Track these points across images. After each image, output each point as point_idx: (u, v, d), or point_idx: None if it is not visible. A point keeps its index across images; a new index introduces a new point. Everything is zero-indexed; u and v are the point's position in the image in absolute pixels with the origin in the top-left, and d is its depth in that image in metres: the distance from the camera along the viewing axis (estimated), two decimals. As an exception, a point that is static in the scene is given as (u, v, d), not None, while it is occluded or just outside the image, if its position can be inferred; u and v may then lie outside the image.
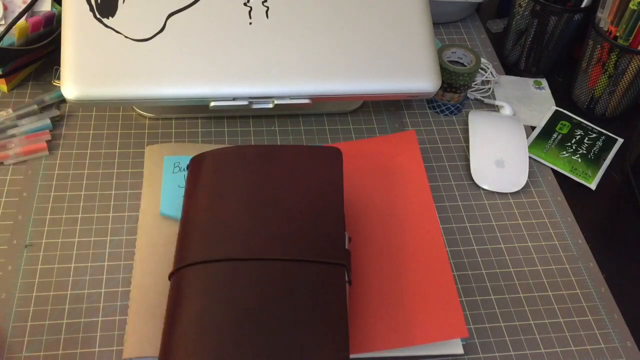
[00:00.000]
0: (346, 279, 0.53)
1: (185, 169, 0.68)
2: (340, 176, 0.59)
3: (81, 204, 0.67)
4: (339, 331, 0.49)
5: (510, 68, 0.90)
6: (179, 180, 0.67)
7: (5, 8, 0.75)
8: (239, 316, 0.49)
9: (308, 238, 0.54)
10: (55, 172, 0.69)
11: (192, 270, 0.53)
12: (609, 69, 0.78)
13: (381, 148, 0.72)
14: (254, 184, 0.58)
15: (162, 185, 0.67)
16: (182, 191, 0.66)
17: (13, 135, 0.71)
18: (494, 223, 0.69)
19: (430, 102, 0.81)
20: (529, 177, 0.74)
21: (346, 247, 0.55)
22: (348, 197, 0.67)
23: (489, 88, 0.85)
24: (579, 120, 0.81)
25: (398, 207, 0.66)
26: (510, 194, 0.72)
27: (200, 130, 0.75)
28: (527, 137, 0.78)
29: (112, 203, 0.67)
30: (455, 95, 0.78)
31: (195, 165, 0.61)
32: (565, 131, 0.79)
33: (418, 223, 0.65)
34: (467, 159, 0.75)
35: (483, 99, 0.83)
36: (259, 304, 0.50)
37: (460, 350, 0.57)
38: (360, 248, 0.62)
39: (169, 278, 0.54)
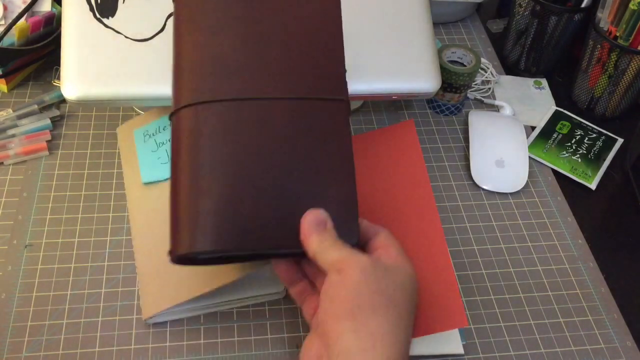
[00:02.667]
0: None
1: (155, 133, 0.66)
2: (337, 7, 0.56)
3: (81, 204, 0.67)
4: (345, 165, 0.49)
5: (510, 68, 0.90)
6: (151, 146, 0.66)
7: (5, 8, 0.75)
8: (244, 157, 0.48)
9: (307, 75, 0.52)
10: (55, 172, 0.69)
11: (191, 112, 0.50)
12: (609, 69, 0.78)
13: (380, 139, 0.71)
14: (247, 19, 0.54)
15: (138, 156, 0.67)
16: (156, 154, 0.65)
17: (13, 135, 0.71)
18: (494, 223, 0.69)
19: (430, 102, 0.81)
20: (529, 177, 0.74)
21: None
22: None
23: (489, 88, 0.85)
24: (579, 120, 0.81)
25: (397, 196, 0.65)
26: (510, 194, 0.72)
27: (200, 130, 0.75)
28: (527, 137, 0.78)
29: (112, 203, 0.67)
30: (455, 95, 0.78)
31: (180, 3, 0.55)
32: (565, 131, 0.79)
33: (417, 212, 0.64)
34: (467, 159, 0.75)
35: (483, 99, 0.83)
36: (264, 144, 0.49)
37: (461, 350, 0.57)
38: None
39: (170, 119, 0.52)
